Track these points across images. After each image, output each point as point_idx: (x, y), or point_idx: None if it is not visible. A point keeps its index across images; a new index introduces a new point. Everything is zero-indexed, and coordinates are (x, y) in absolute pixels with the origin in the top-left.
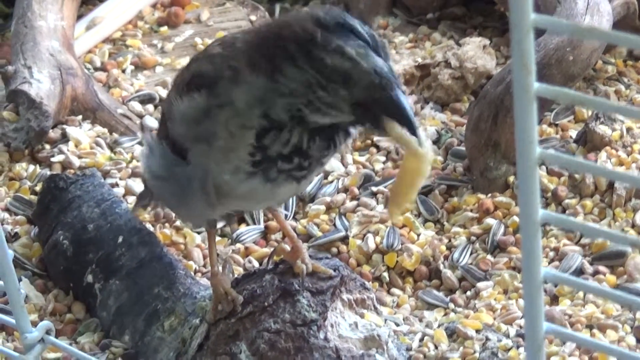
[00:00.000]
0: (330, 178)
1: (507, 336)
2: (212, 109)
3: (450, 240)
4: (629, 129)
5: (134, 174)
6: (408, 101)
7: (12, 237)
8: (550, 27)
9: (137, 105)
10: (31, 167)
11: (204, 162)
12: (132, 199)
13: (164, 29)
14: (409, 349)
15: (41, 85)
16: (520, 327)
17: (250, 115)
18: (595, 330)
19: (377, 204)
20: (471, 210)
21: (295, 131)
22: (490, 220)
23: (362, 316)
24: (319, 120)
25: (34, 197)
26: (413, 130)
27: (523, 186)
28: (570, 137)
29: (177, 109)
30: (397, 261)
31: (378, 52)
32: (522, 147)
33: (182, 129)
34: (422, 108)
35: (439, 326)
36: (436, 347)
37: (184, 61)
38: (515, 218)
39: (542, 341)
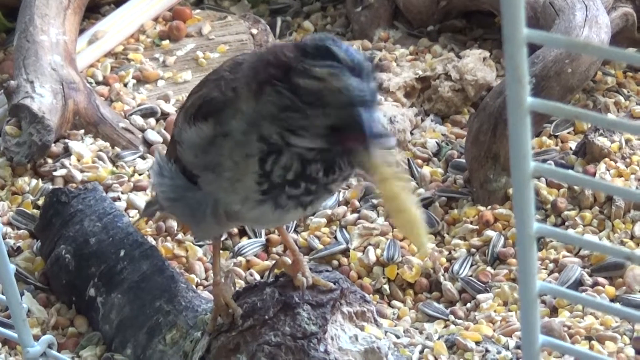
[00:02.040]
0: None
1: (507, 348)
2: (217, 138)
3: (450, 252)
4: (627, 141)
5: (135, 188)
6: (374, 120)
7: (14, 251)
8: (543, 42)
9: (139, 119)
10: (33, 181)
11: (214, 190)
12: (134, 213)
13: (166, 42)
14: None
15: (43, 99)
16: (520, 339)
17: (249, 142)
18: (594, 342)
19: (378, 216)
20: (471, 222)
21: (291, 155)
22: (490, 232)
23: (362, 329)
24: (299, 144)
25: (36, 211)
26: (367, 146)
27: (518, 200)
28: (570, 148)
29: (186, 137)
30: (397, 273)
31: (356, 74)
32: (516, 161)
33: (191, 156)
34: (422, 120)
35: (439, 338)
36: (436, 359)
37: (185, 75)
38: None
39: (538, 353)
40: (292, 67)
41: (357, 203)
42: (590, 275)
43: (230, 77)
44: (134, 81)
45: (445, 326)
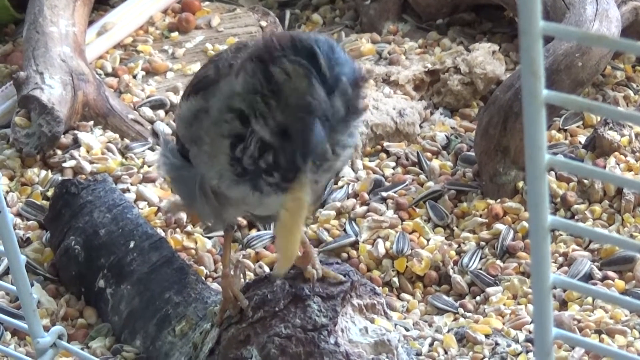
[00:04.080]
0: (340, 183)
1: (517, 341)
2: (200, 112)
3: (459, 246)
4: (637, 135)
5: (145, 180)
6: (319, 134)
7: (24, 242)
8: (559, 35)
9: (148, 111)
10: (43, 173)
11: (198, 164)
12: (143, 204)
13: (175, 34)
14: (418, 354)
15: (53, 90)
16: (530, 332)
17: (221, 122)
18: (604, 336)
19: (387, 209)
20: (480, 216)
21: (259, 145)
22: (499, 226)
23: (372, 321)
24: (257, 131)
25: (45, 203)
26: (304, 156)
27: (532, 192)
28: (579, 142)
29: (180, 112)
30: (406, 266)
31: (326, 86)
32: (531, 154)
33: (181, 129)
34: (431, 113)
35: (448, 331)
36: (446, 352)
37: (194, 67)
38: (525, 223)
39: (551, 346)
40: (273, 53)
41: (366, 196)
42: (600, 269)
43: (230, 57)
44: (143, 73)
45: (455, 319)
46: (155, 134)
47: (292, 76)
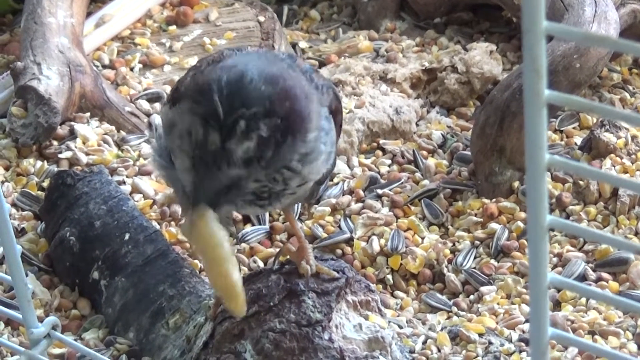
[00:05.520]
0: (335, 180)
1: (510, 340)
2: (172, 127)
3: (454, 244)
4: (633, 137)
5: (140, 172)
6: (206, 187)
7: (18, 233)
8: (562, 35)
9: (144, 104)
10: (39, 163)
11: (177, 168)
12: (138, 197)
13: (173, 28)
14: (412, 352)
15: (50, 81)
16: (523, 331)
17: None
18: (597, 337)
19: (382, 206)
20: (475, 215)
21: None
22: (494, 225)
23: (366, 318)
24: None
25: (41, 193)
26: (193, 201)
27: (531, 191)
28: (575, 143)
29: (161, 114)
30: (401, 264)
31: (223, 128)
32: (531, 153)
33: (164, 133)
34: (428, 112)
35: (442, 329)
36: (439, 350)
37: (192, 60)
38: (520, 223)
39: (547, 346)
40: (187, 100)
41: (361, 193)
42: (594, 270)
43: (200, 72)
44: (141, 65)
45: (448, 317)
46: (151, 127)
47: (192, 125)
